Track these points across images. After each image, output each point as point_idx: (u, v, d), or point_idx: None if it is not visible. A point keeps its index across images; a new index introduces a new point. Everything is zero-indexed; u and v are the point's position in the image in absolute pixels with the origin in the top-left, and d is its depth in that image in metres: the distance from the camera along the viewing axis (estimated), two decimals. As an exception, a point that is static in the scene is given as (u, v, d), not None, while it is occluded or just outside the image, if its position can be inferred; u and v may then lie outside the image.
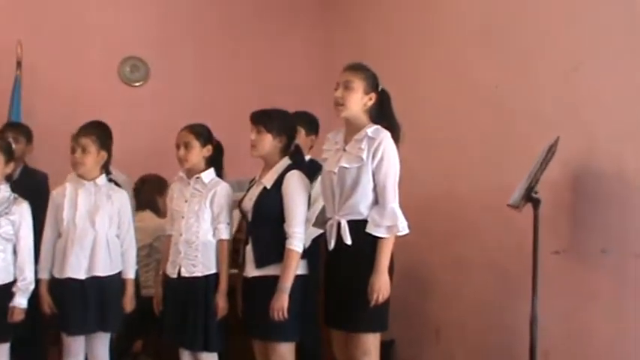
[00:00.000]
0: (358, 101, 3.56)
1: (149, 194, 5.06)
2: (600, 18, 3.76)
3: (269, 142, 3.79)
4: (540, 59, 4.15)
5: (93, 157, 4.01)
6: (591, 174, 3.78)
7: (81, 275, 3.94)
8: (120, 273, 4.06)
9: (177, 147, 4.10)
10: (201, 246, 3.95)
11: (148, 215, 4.98)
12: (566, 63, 3.94)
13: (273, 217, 3.70)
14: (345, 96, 3.54)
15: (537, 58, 4.17)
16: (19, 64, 5.74)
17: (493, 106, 4.54)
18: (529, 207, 3.67)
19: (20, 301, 3.86)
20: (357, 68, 3.62)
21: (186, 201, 4.04)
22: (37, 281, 3.98)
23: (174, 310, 3.96)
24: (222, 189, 4.03)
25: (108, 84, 6.26)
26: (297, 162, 3.86)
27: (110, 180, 4.16)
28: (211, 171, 4.09)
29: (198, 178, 4.04)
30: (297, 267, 3.64)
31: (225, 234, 3.99)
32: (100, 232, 3.99)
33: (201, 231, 3.96)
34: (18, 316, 3.85)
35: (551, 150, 3.68)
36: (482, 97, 4.63)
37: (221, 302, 3.90)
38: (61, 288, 3.96)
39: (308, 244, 3.78)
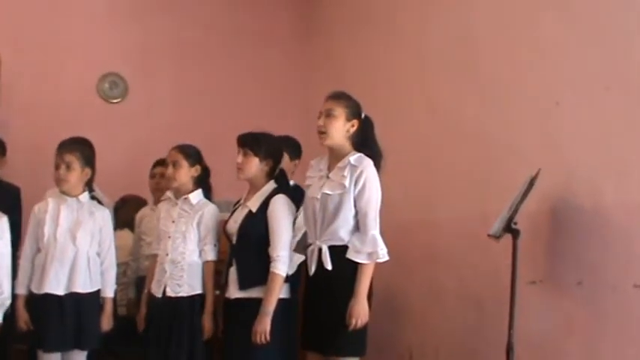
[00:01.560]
0: (340, 129, 3.63)
1: (128, 214, 5.08)
2: (581, 54, 3.86)
3: (256, 165, 3.85)
4: (522, 93, 4.24)
5: (77, 173, 4.03)
6: (569, 206, 3.85)
7: (60, 291, 3.94)
8: (99, 291, 4.06)
9: (166, 165, 4.17)
10: (187, 266, 4.01)
11: (125, 234, 4.99)
12: (548, 97, 4.03)
13: (258, 240, 3.75)
14: (327, 124, 3.62)
15: (519, 92, 4.26)
16: (-4, 76, 5.74)
17: (473, 137, 4.62)
18: (507, 237, 3.73)
19: None
20: (339, 97, 3.70)
21: (173, 221, 4.09)
22: (14, 296, 3.94)
23: (159, 329, 3.99)
24: (210, 210, 4.10)
25: (86, 100, 6.30)
26: (283, 186, 3.92)
27: (93, 197, 4.18)
28: (199, 192, 4.16)
29: (186, 198, 4.11)
30: (280, 291, 3.69)
31: (211, 255, 4.06)
32: (80, 249, 3.99)
33: (188, 251, 4.03)
34: None
35: (532, 182, 3.76)
36: (463, 129, 4.72)
37: (207, 323, 3.95)
38: (39, 304, 3.95)
39: (294, 270, 3.83)
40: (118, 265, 4.57)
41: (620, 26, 3.64)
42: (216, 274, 4.08)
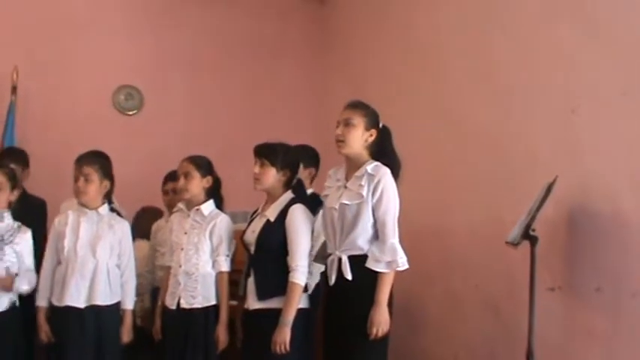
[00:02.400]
0: (359, 138, 3.66)
1: (147, 224, 5.13)
2: (598, 59, 3.88)
3: (273, 175, 3.87)
4: (539, 100, 4.26)
5: (96, 186, 4.09)
6: (587, 213, 3.86)
7: (80, 304, 3.99)
8: (118, 303, 4.11)
9: (177, 178, 4.20)
10: (201, 278, 4.04)
11: (143, 244, 5.05)
12: (565, 104, 4.05)
13: (276, 249, 3.77)
14: (346, 133, 3.65)
15: (536, 98, 4.28)
16: (14, 89, 5.85)
17: (490, 145, 4.65)
18: (525, 244, 3.74)
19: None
20: (357, 106, 3.73)
21: (185, 233, 4.13)
22: (36, 309, 4.04)
23: (174, 341, 4.02)
24: (222, 221, 4.13)
25: (102, 112, 6.37)
26: (300, 195, 3.93)
27: (112, 210, 4.23)
28: (211, 203, 4.19)
29: (197, 210, 4.14)
30: (299, 300, 3.70)
31: (224, 266, 4.08)
32: (100, 261, 4.05)
33: (201, 262, 4.06)
34: None
35: (549, 188, 3.78)
36: (480, 136, 4.75)
37: (222, 335, 3.98)
38: (60, 316, 4.00)
39: (317, 280, 3.85)
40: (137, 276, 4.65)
41: (636, 31, 3.65)
42: (232, 284, 4.11)
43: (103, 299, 4.03)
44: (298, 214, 3.79)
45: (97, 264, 4.03)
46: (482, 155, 4.73)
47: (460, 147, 4.97)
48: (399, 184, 3.68)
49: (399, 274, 3.62)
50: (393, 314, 3.63)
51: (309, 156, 4.70)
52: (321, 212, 3.90)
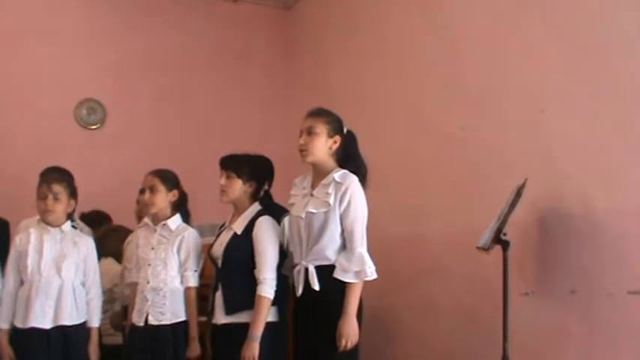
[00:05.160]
0: (322, 146, 3.76)
1: (116, 243, 5.18)
2: (567, 60, 4.00)
3: (239, 187, 3.98)
4: (507, 101, 4.39)
5: (64, 205, 4.16)
6: (559, 214, 3.97)
7: (46, 325, 4.01)
8: (85, 322, 4.15)
9: (142, 191, 4.27)
10: (169, 293, 4.11)
11: (108, 261, 5.12)
12: (534, 104, 4.16)
13: (244, 263, 3.85)
14: (309, 142, 3.75)
15: (504, 99, 4.41)
16: (-28, 106, 5.85)
17: (459, 148, 4.77)
18: (498, 249, 3.81)
19: None
20: (319, 113, 3.82)
21: (152, 248, 4.20)
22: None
23: (143, 359, 4.07)
24: (190, 235, 4.21)
25: (64, 127, 6.41)
26: (268, 207, 4.02)
27: (74, 227, 4.28)
28: (178, 217, 4.27)
29: (164, 224, 4.22)
30: (267, 314, 3.78)
31: (192, 281, 4.16)
32: (66, 280, 4.09)
33: (169, 278, 4.13)
34: None
35: (519, 191, 3.87)
36: (448, 140, 4.87)
37: (194, 351, 4.05)
38: (24, 338, 4.02)
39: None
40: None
41: (606, 31, 3.78)
42: (203, 299, 4.19)
43: (69, 319, 4.07)
44: (265, 226, 3.88)
45: (63, 283, 4.07)
46: (455, 160, 4.84)
47: (432, 153, 5.08)
48: (366, 189, 3.77)
49: (372, 284, 3.68)
50: (365, 325, 3.69)
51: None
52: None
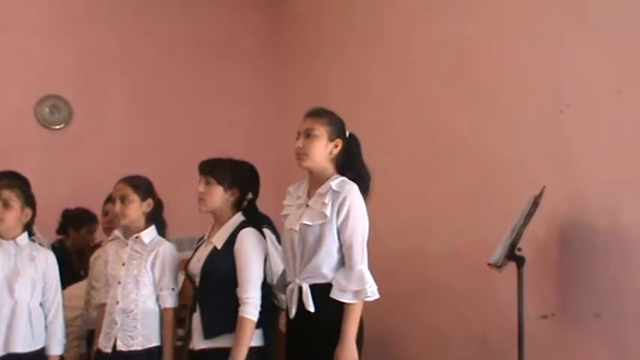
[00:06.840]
0: (322, 150, 3.63)
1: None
2: (588, 54, 3.88)
3: (219, 195, 3.85)
4: (521, 99, 4.29)
5: (16, 213, 4.02)
6: (581, 228, 3.86)
7: (-5, 353, 3.89)
8: (42, 349, 4.00)
9: (113, 201, 4.14)
10: (141, 315, 3.98)
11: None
12: (552, 103, 4.06)
13: (225, 280, 3.72)
14: (307, 145, 3.62)
15: (518, 97, 4.31)
16: None
17: (469, 154, 4.69)
18: (511, 266, 3.74)
19: None
20: (320, 114, 3.70)
21: (123, 264, 4.07)
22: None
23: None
24: (166, 250, 4.08)
25: (23, 127, 6.32)
26: (251, 218, 3.90)
27: (33, 241, 4.13)
28: (152, 229, 4.15)
29: (137, 237, 4.09)
30: (251, 338, 3.65)
31: (169, 302, 4.02)
32: (20, 301, 3.94)
33: (141, 298, 3.99)
34: None
35: (536, 202, 3.78)
36: (458, 145, 4.79)
37: None
38: None
39: None
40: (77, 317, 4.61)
41: (632, 21, 3.65)
42: (179, 321, 4.07)
43: (23, 346, 3.93)
44: (248, 240, 3.76)
45: (16, 305, 3.93)
46: (461, 166, 4.77)
47: (437, 157, 5.01)
48: (368, 200, 3.65)
49: (370, 304, 3.56)
50: (365, 350, 3.59)
51: None
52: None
